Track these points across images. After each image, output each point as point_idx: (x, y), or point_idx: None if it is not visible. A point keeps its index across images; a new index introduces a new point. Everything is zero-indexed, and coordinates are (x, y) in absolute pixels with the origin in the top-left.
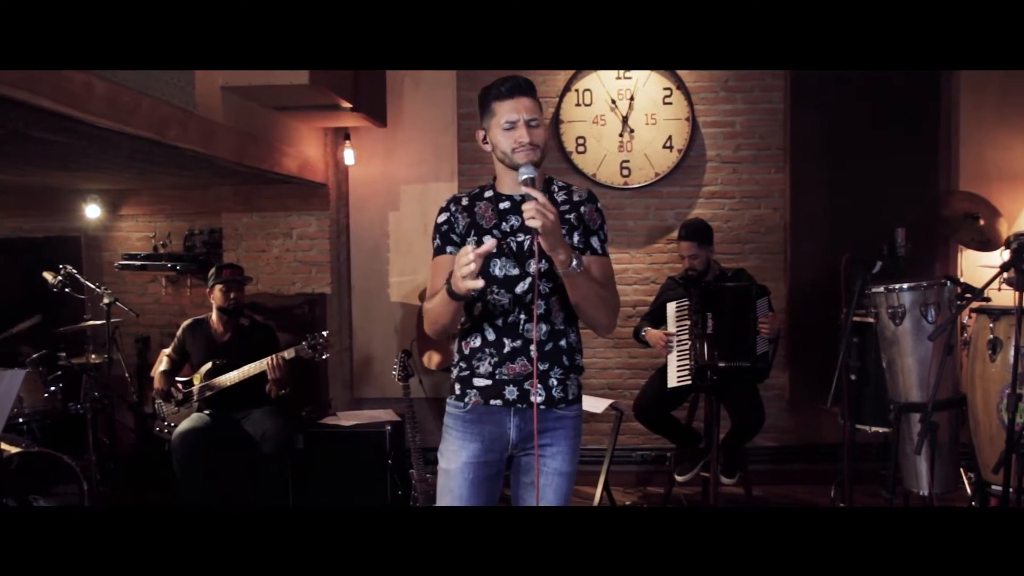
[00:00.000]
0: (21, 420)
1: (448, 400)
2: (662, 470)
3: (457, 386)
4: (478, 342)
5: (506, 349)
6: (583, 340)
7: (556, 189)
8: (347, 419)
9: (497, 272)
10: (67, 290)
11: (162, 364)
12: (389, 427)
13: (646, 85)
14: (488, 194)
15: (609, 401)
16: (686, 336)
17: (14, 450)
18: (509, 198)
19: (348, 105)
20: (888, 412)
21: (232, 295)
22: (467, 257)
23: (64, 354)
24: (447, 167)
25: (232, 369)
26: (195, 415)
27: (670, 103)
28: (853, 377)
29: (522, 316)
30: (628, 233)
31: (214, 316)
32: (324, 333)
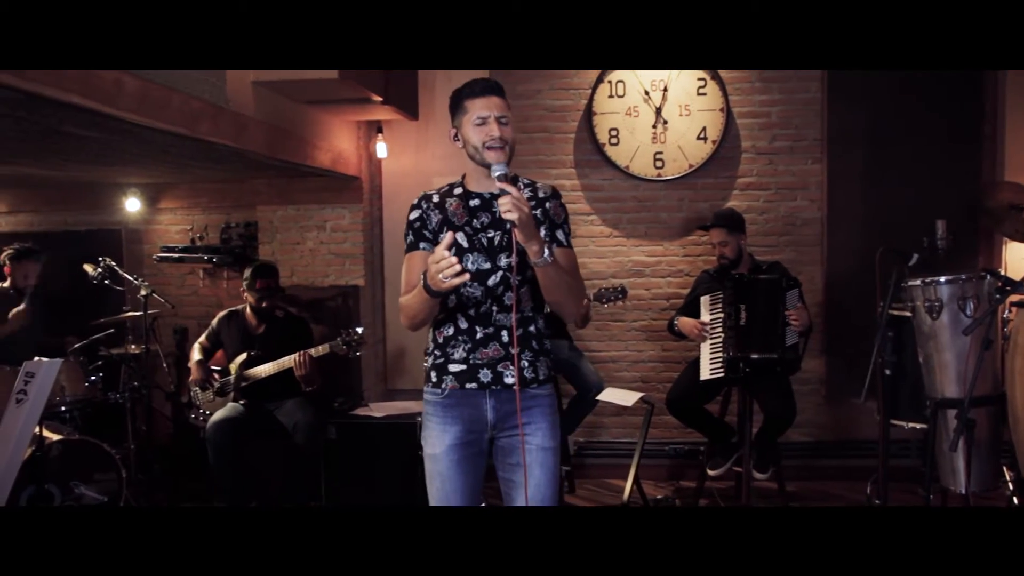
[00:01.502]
0: (63, 408)
1: (425, 388)
2: (695, 464)
3: (433, 373)
4: (451, 331)
5: (479, 336)
6: (615, 334)
7: (522, 186)
8: (379, 410)
9: (470, 266)
10: (106, 282)
11: (196, 353)
12: (420, 419)
13: (680, 76)
14: (458, 191)
15: (639, 394)
16: (719, 328)
17: (56, 438)
18: (479, 195)
19: (379, 99)
20: (925, 408)
21: (264, 304)
22: (447, 260)
23: (115, 337)
24: None
25: (266, 360)
26: (229, 405)
27: (704, 94)
28: (888, 372)
29: (494, 307)
30: (661, 225)
31: (248, 309)
32: (359, 330)
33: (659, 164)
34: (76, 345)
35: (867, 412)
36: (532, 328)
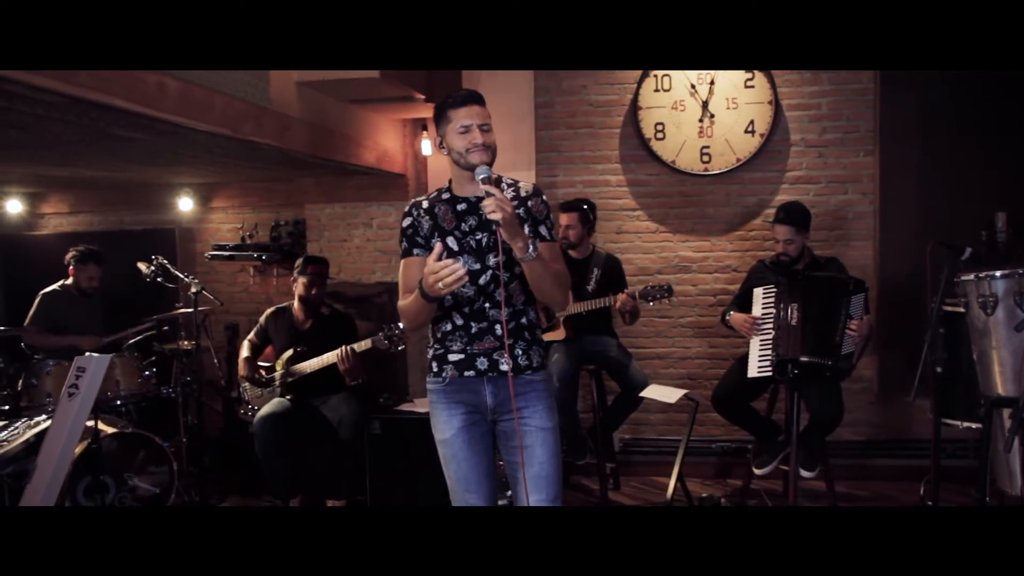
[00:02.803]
0: (119, 402)
1: (428, 378)
2: (742, 462)
3: (434, 364)
4: (449, 327)
5: (474, 330)
6: (662, 330)
7: (505, 187)
8: (423, 405)
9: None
10: (159, 280)
11: (245, 350)
12: None
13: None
14: (446, 196)
15: (683, 391)
16: (770, 325)
17: (110, 431)
18: (465, 200)
19: (421, 96)
20: (979, 407)
21: (314, 290)
22: (448, 269)
23: (168, 333)
24: (524, 157)
25: (312, 356)
26: (276, 400)
27: (752, 86)
28: (940, 370)
29: (486, 304)
30: (708, 220)
31: (296, 305)
32: (400, 324)
33: (706, 158)
34: (131, 341)
35: (921, 411)
36: (524, 320)
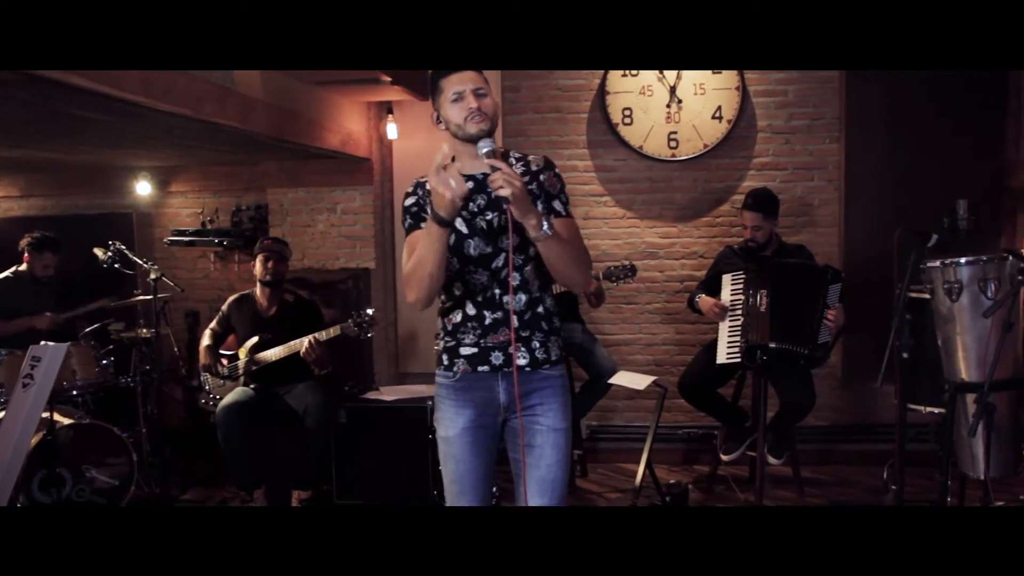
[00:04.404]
0: (75, 393)
1: (437, 371)
2: (709, 448)
3: (445, 357)
4: (460, 317)
5: (487, 321)
6: (629, 316)
7: (513, 161)
8: (389, 394)
9: (472, 252)
10: (116, 266)
11: (206, 338)
12: (430, 402)
13: None
14: None
15: (651, 378)
16: (740, 311)
17: (67, 422)
18: (472, 178)
19: (387, 79)
20: (943, 392)
21: (271, 264)
22: (456, 178)
23: (126, 321)
24: None
25: (277, 344)
26: (239, 389)
27: (719, 72)
28: (906, 355)
29: (499, 291)
30: (675, 206)
31: (259, 291)
32: (370, 311)
33: (673, 144)
34: (87, 329)
35: (884, 396)
36: (541, 308)
